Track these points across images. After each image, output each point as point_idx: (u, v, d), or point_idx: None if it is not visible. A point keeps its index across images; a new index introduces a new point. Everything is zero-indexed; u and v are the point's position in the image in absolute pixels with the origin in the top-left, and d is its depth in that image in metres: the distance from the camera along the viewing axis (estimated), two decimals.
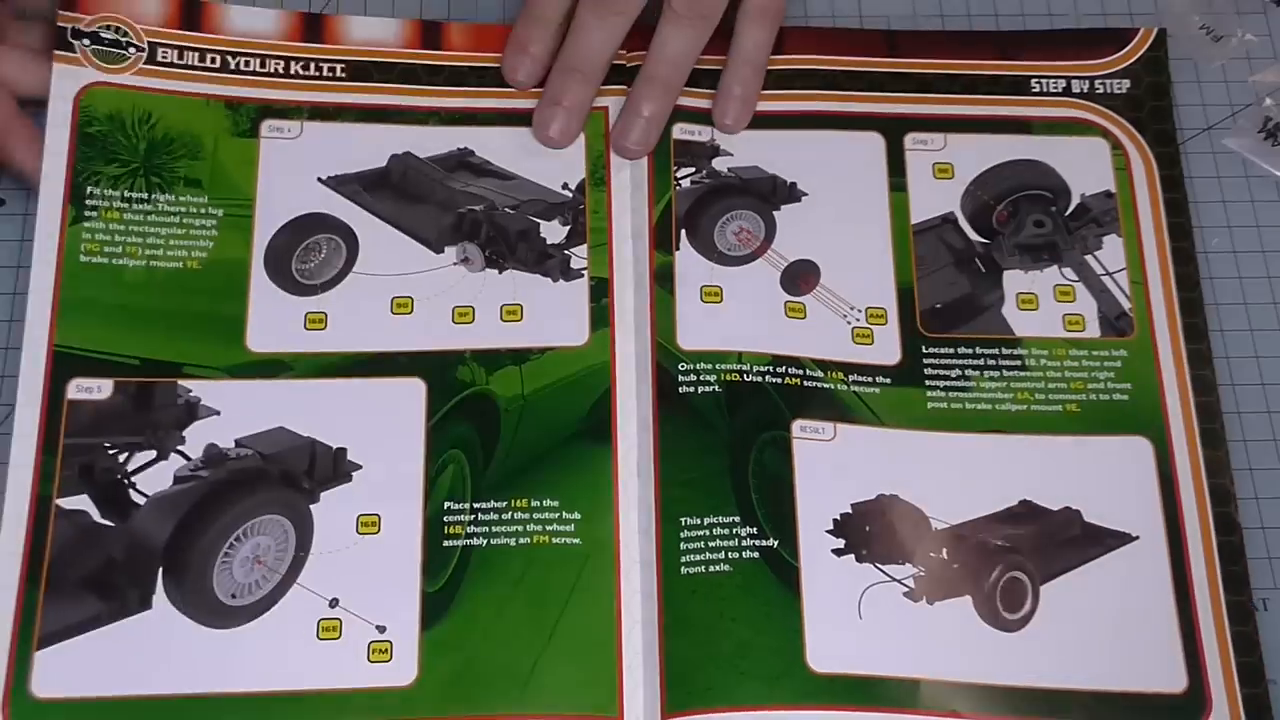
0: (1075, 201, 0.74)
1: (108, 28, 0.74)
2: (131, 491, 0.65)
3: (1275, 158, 0.76)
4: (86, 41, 0.73)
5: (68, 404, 0.66)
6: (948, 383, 0.70)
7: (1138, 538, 0.67)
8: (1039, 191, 0.74)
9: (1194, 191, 0.75)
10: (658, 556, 0.65)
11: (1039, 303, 0.72)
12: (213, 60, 0.74)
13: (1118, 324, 0.71)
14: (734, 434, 0.68)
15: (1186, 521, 0.67)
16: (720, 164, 0.74)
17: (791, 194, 0.74)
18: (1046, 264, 0.73)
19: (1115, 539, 0.66)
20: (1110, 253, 0.73)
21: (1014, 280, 0.73)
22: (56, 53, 0.72)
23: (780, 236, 0.73)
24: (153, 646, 0.63)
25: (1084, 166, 0.75)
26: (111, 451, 0.66)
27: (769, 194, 0.74)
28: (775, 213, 0.73)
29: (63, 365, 0.67)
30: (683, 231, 0.72)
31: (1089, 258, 0.73)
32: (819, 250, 0.72)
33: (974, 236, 0.74)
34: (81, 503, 0.65)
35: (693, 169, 0.74)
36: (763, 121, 0.75)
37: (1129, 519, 0.67)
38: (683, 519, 0.66)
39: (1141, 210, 0.74)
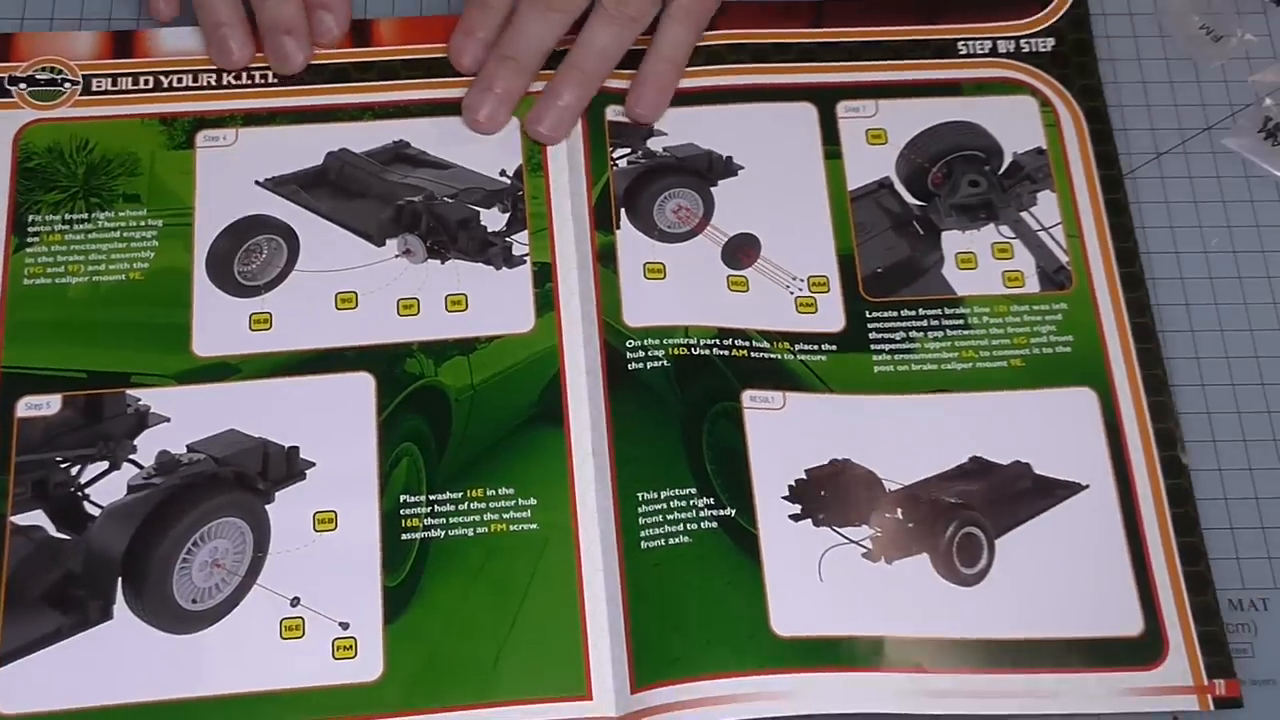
0: (1008, 160, 0.75)
1: (43, 69, 0.74)
2: (86, 504, 0.65)
3: (1275, 158, 0.76)
4: (23, 85, 0.74)
5: (18, 422, 0.66)
6: (892, 345, 0.70)
7: (1088, 486, 0.67)
8: (972, 152, 0.75)
9: (1194, 191, 0.75)
10: (618, 533, 0.65)
11: (978, 261, 0.72)
12: (146, 82, 0.75)
13: (1056, 277, 0.72)
14: (685, 407, 0.68)
15: (1134, 467, 0.68)
16: (655, 144, 0.74)
17: (728, 168, 0.74)
18: (983, 223, 0.73)
19: (1066, 489, 0.67)
20: (1045, 209, 0.73)
21: (952, 241, 0.73)
22: None
23: (719, 212, 0.73)
24: (116, 656, 0.63)
25: (1015, 125, 0.75)
26: (64, 465, 0.66)
27: (705, 170, 0.74)
28: (713, 188, 0.74)
29: (11, 385, 0.67)
30: (622, 210, 0.72)
31: (1025, 214, 0.73)
32: (758, 223, 0.73)
33: (911, 200, 0.74)
34: (36, 518, 0.65)
35: (629, 149, 0.74)
36: (695, 97, 0.75)
37: (1078, 469, 0.68)
38: (639, 494, 0.66)
39: (1073, 165, 0.74)
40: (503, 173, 0.74)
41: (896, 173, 0.74)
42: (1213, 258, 0.74)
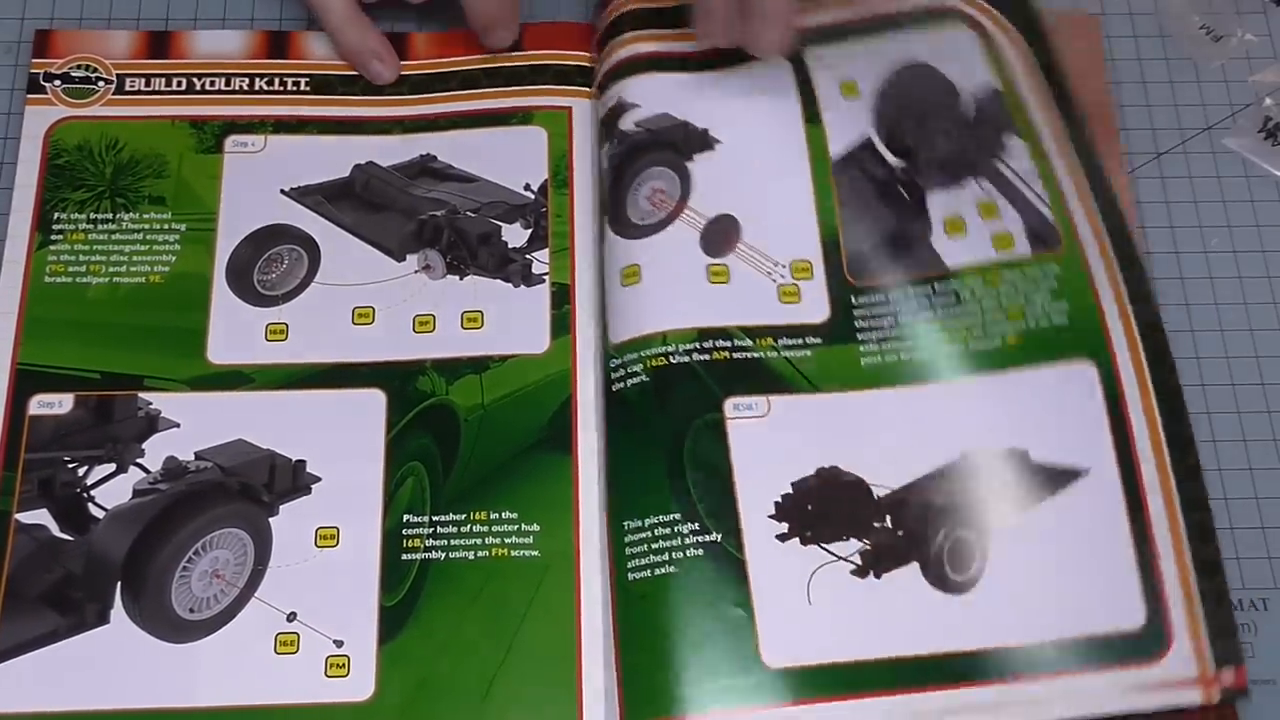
0: (969, 104, 0.72)
1: (78, 67, 0.75)
2: (90, 505, 0.65)
3: (1275, 158, 0.75)
4: (58, 83, 0.74)
5: (29, 420, 0.67)
6: (880, 333, 0.68)
7: (1088, 469, 0.65)
8: (935, 99, 0.73)
9: (1194, 191, 0.75)
10: (611, 565, 0.64)
11: (966, 226, 0.70)
12: (179, 84, 0.75)
13: (1043, 233, 0.69)
14: (667, 425, 0.66)
15: (1138, 444, 0.65)
16: (627, 121, 0.72)
17: (705, 141, 0.72)
18: (964, 177, 0.71)
19: (1064, 476, 0.65)
20: (1017, 158, 0.71)
21: (938, 204, 0.71)
22: (28, 95, 0.74)
23: (696, 192, 0.71)
24: (110, 661, 0.62)
25: (959, 62, 0.73)
26: (71, 465, 0.66)
27: (680, 143, 0.72)
28: (689, 164, 0.71)
29: (25, 382, 0.68)
30: (606, 219, 0.71)
31: (1001, 167, 0.71)
32: (737, 203, 0.70)
33: (892, 160, 0.72)
34: (41, 517, 0.65)
35: (609, 142, 0.72)
36: (666, 64, 0.73)
37: (1078, 451, 0.65)
38: (625, 523, 0.64)
39: (1030, 107, 0.72)
40: (527, 187, 0.73)
41: (876, 131, 0.72)
42: (1213, 258, 0.74)
